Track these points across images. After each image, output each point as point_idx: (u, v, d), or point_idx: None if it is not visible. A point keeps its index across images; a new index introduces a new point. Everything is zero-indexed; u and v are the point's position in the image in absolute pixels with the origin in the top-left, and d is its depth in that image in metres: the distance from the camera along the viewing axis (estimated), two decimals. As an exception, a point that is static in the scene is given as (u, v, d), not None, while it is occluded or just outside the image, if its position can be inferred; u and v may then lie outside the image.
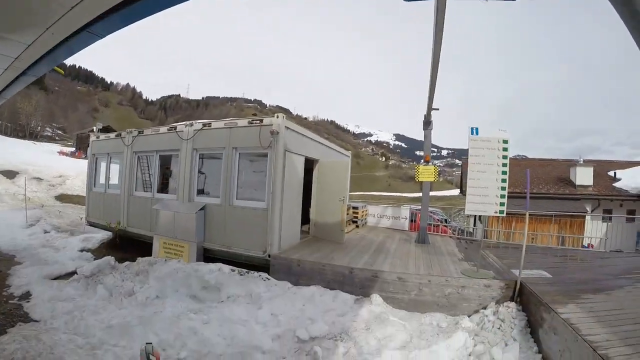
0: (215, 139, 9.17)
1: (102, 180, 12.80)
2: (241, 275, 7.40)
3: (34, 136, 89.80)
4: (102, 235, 13.04)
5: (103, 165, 12.80)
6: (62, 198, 25.04)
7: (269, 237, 8.20)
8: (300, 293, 6.95)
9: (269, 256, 8.06)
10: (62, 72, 14.78)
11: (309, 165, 10.39)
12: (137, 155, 11.11)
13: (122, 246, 11.83)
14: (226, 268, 7.53)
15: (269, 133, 8.18)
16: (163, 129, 10.51)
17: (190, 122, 9.77)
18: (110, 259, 9.02)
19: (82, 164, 41.03)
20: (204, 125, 9.45)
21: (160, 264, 8.20)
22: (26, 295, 8.03)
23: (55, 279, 9.29)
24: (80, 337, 5.94)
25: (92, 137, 13.15)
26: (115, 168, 12.19)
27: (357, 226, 13.14)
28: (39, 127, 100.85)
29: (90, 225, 13.01)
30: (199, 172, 9.72)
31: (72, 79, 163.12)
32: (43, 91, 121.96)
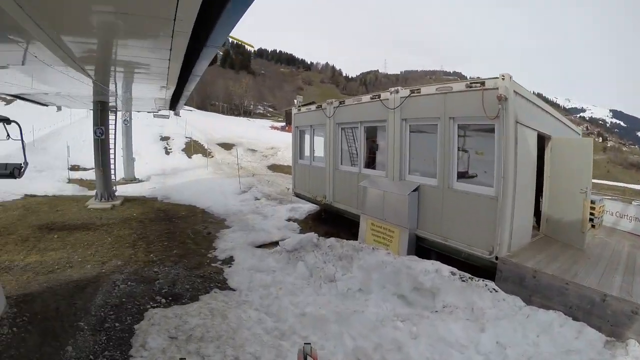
0: (427, 108, 7.89)
1: (307, 152, 13.12)
2: (463, 281, 6.07)
3: (247, 114, 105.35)
4: (310, 207, 13.52)
5: (307, 138, 13.07)
6: (274, 168, 27.62)
7: (497, 234, 6.55)
8: (534, 318, 5.25)
9: (496, 258, 6.48)
10: (252, 46, 15.79)
11: (540, 143, 8.12)
12: (340, 127, 10.79)
13: (327, 220, 11.91)
14: (445, 270, 6.30)
15: (494, 99, 6.50)
16: (366, 98, 9.79)
17: (396, 88, 8.74)
18: (313, 236, 8.79)
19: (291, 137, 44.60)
20: (412, 91, 8.24)
21: (366, 252, 7.47)
22: (229, 260, 8.43)
23: (259, 246, 9.62)
24: (270, 318, 5.68)
25: (294, 111, 13.53)
26: (319, 141, 12.25)
27: (593, 226, 10.19)
28: (251, 106, 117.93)
29: (297, 196, 13.61)
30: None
31: (275, 62, 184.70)
32: (251, 75, 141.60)
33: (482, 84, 6.84)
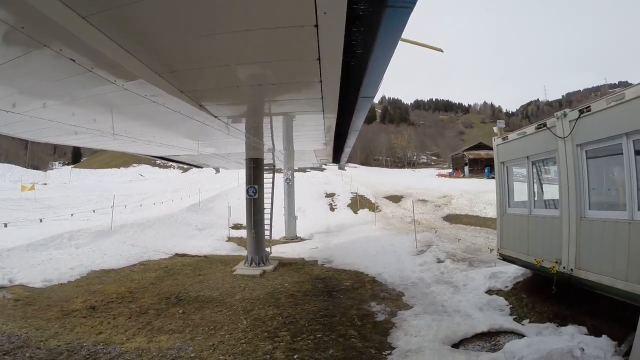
0: None
1: (520, 197, 9.11)
2: None
3: (411, 165, 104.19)
4: (515, 270, 9.44)
5: (521, 176, 9.15)
6: (451, 219, 23.86)
7: None
8: None
9: None
10: (442, 50, 12.94)
11: None
12: (584, 150, 6.74)
13: (559, 296, 7.57)
14: None
15: None
16: (633, 91, 5.72)
17: None
18: (572, 347, 4.84)
19: (462, 183, 42.01)
20: None
21: None
22: (415, 373, 5.20)
23: (458, 344, 6.29)
24: None
25: (497, 141, 9.73)
26: (544, 177, 8.35)
27: None
28: (415, 156, 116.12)
29: (504, 259, 9.44)
30: None
31: (432, 111, 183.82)
32: (411, 126, 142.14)
33: None
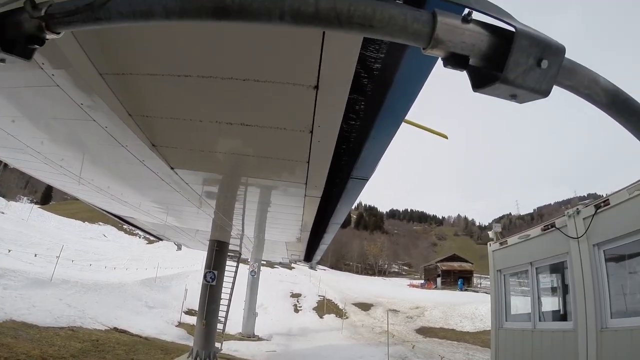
0: None
1: (520, 309, 7.89)
2: None
3: (382, 273, 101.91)
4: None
5: (517, 286, 8.11)
6: (424, 331, 22.02)
7: None
8: None
9: None
10: (446, 136, 12.43)
11: None
12: (603, 250, 5.76)
13: None
14: None
15: None
16: None
17: None
18: None
19: (435, 295, 40.31)
20: None
21: None
22: None
23: None
24: None
25: (493, 247, 8.75)
26: (549, 286, 7.26)
27: None
28: (386, 265, 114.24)
29: (502, 383, 7.90)
30: None
31: (407, 221, 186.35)
32: (385, 234, 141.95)
33: None
